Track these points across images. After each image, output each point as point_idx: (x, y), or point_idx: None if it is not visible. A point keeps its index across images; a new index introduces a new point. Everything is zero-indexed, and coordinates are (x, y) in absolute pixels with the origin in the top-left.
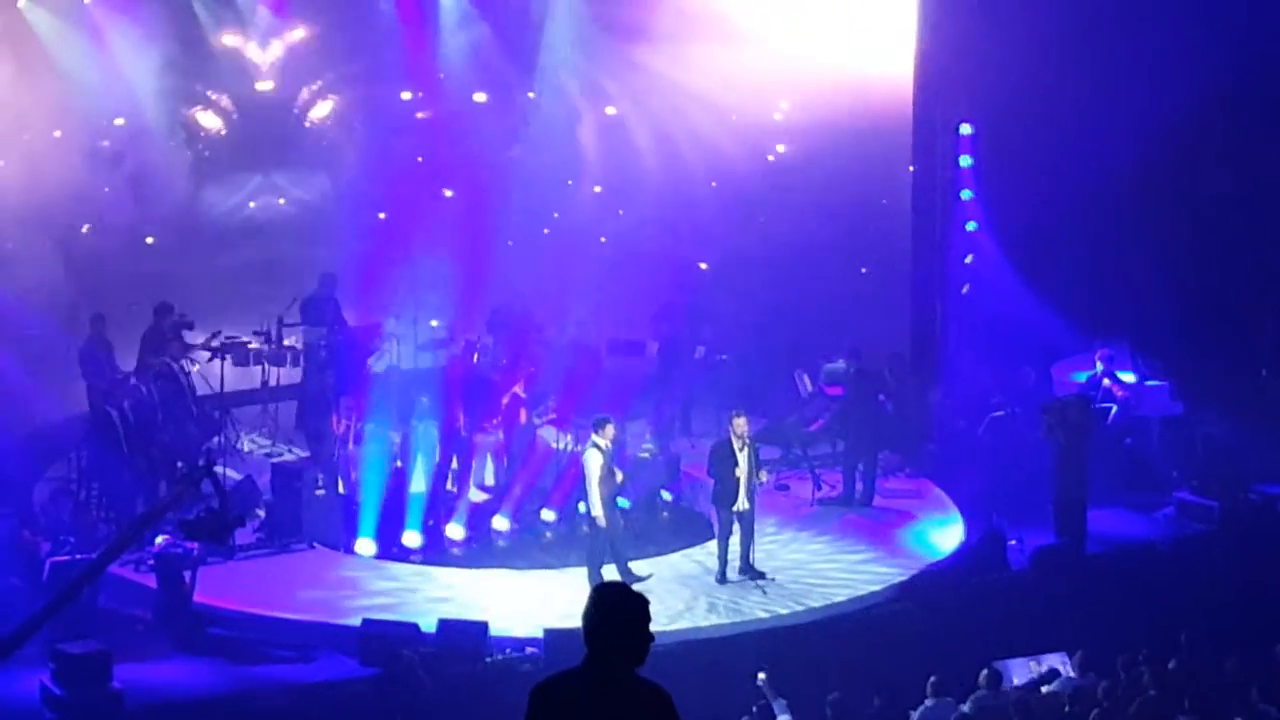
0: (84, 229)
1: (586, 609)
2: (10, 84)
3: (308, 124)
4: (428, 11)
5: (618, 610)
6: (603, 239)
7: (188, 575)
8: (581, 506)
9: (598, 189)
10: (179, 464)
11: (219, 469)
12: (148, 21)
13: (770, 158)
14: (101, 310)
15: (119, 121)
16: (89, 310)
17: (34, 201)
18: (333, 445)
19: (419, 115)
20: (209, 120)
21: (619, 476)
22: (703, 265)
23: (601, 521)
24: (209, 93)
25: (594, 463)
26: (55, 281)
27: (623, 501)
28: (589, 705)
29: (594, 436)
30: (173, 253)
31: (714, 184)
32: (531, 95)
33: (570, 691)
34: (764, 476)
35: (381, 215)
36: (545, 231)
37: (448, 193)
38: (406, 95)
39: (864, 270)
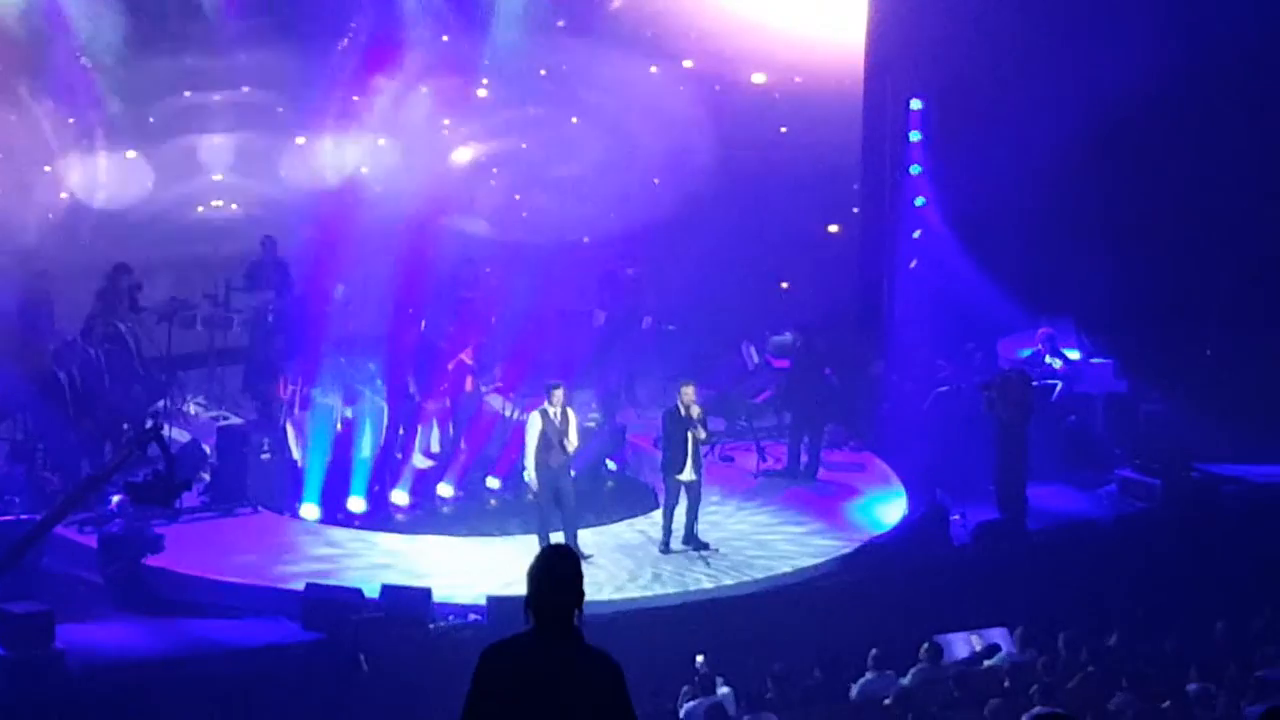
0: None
1: (529, 575)
2: None
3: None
4: None
5: (553, 569)
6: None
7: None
8: (527, 474)
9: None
10: (125, 426)
11: (165, 432)
12: None
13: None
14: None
15: None
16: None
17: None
18: (279, 409)
19: None
20: None
21: (570, 445)
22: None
23: (532, 484)
24: None
25: (532, 425)
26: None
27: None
28: (539, 669)
29: (545, 402)
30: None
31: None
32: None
33: (521, 654)
34: (702, 434)
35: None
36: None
37: None
38: None
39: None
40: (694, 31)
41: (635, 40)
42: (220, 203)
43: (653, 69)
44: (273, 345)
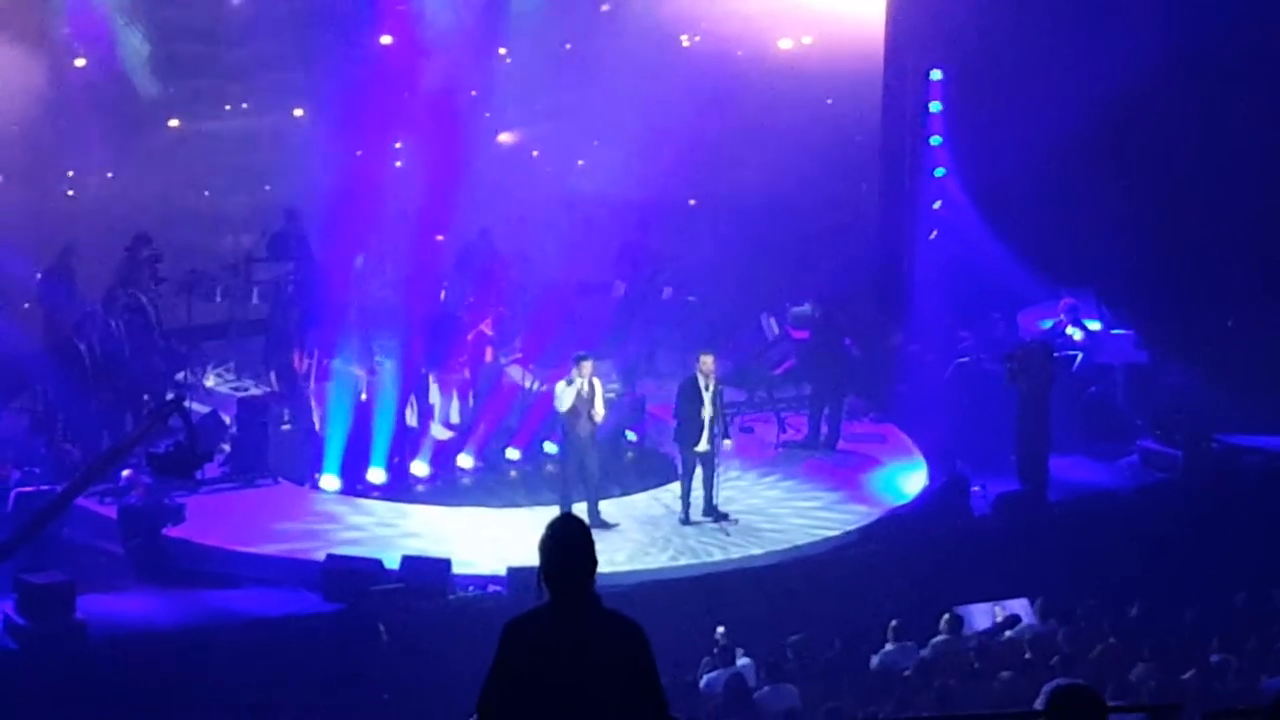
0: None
1: (541, 547)
2: None
3: None
4: None
5: (564, 538)
6: (580, 162)
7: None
8: (547, 445)
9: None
10: (145, 397)
11: (186, 403)
12: None
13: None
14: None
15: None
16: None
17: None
18: (299, 380)
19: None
20: None
21: (598, 416)
22: (691, 202)
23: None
24: None
25: (560, 396)
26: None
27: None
28: (563, 639)
29: (573, 372)
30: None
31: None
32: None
33: (544, 626)
34: (728, 444)
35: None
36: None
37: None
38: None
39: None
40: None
41: (658, 10)
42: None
43: (688, 40)
44: (291, 316)
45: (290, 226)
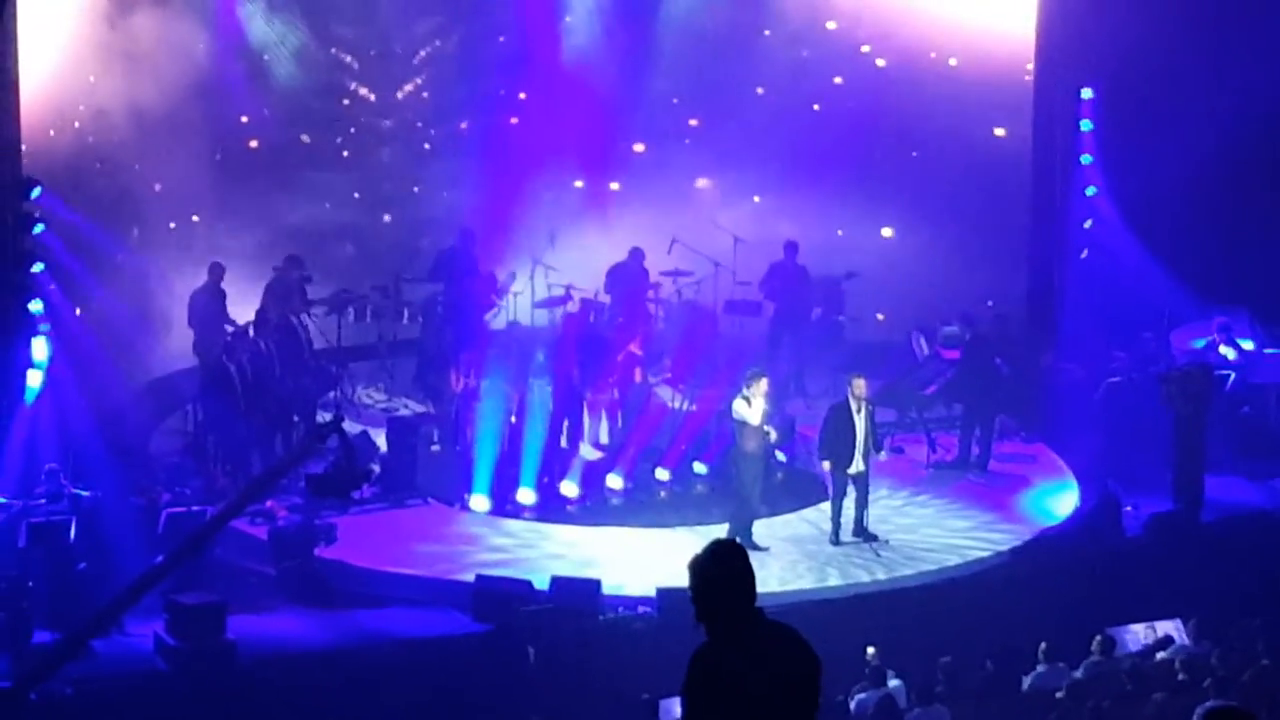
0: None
1: (706, 576)
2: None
3: None
4: None
5: (733, 563)
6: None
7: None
8: (697, 466)
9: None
10: (295, 418)
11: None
12: None
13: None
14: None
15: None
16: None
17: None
18: (450, 401)
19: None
20: None
21: (772, 435)
22: (839, 232)
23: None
24: None
25: (744, 413)
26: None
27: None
28: (749, 659)
29: (747, 389)
30: None
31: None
32: None
33: (728, 651)
34: (882, 455)
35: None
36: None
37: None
38: None
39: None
40: (865, 17)
41: (805, 28)
42: None
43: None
44: (444, 336)
45: (462, 246)
